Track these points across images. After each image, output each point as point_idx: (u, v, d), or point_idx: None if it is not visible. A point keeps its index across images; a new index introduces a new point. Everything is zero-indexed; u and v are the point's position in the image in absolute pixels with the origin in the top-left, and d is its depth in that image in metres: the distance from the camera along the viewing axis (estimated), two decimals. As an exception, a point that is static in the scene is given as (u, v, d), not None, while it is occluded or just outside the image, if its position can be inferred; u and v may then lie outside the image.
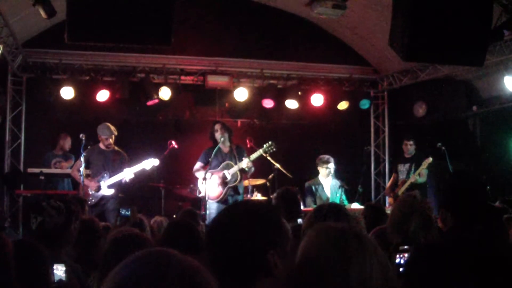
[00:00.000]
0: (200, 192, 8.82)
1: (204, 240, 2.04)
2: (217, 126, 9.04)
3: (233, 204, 2.28)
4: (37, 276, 2.74)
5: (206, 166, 8.86)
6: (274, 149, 8.87)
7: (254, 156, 8.81)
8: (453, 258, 2.18)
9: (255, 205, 2.24)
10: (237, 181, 8.86)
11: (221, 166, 8.88)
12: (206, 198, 8.64)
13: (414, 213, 3.60)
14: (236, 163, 8.84)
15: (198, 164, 9.01)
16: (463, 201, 3.36)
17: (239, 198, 8.96)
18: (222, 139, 8.85)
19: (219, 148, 8.88)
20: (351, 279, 1.89)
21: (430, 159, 9.44)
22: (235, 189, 8.93)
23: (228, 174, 8.81)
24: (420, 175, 9.53)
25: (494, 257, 2.21)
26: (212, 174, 8.81)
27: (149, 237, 3.33)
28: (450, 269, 2.16)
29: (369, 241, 2.01)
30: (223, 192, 8.80)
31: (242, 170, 8.82)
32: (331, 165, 9.22)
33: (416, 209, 3.62)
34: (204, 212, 8.58)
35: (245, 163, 8.72)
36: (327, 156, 9.30)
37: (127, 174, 8.56)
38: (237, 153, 9.00)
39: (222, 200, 8.76)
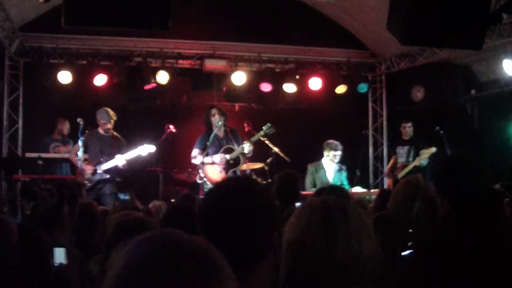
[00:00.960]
0: (201, 178, 8.80)
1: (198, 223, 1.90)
2: (214, 111, 9.03)
3: (225, 183, 2.04)
4: (37, 260, 2.74)
5: (203, 152, 8.83)
6: (273, 131, 8.89)
7: (254, 138, 8.85)
8: (453, 257, 2.17)
9: (252, 186, 2.00)
10: (239, 165, 8.88)
11: (221, 150, 8.88)
12: (207, 183, 8.66)
13: (418, 196, 3.52)
14: (234, 147, 8.87)
15: (196, 151, 8.96)
16: (459, 185, 3.33)
17: None
18: (220, 123, 8.84)
19: (215, 134, 8.87)
20: (337, 252, 1.80)
21: (433, 149, 9.32)
22: (235, 173, 8.94)
23: (230, 158, 8.83)
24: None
25: (494, 255, 2.20)
26: (213, 160, 8.82)
27: (154, 221, 3.31)
28: (450, 269, 2.15)
29: (356, 213, 1.90)
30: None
31: (243, 154, 8.84)
32: (339, 153, 9.19)
33: (420, 193, 3.53)
34: (202, 196, 8.60)
35: (246, 147, 8.73)
36: (336, 142, 9.25)
37: (119, 160, 8.53)
38: (233, 137, 9.01)
39: (226, 185, 8.73)
